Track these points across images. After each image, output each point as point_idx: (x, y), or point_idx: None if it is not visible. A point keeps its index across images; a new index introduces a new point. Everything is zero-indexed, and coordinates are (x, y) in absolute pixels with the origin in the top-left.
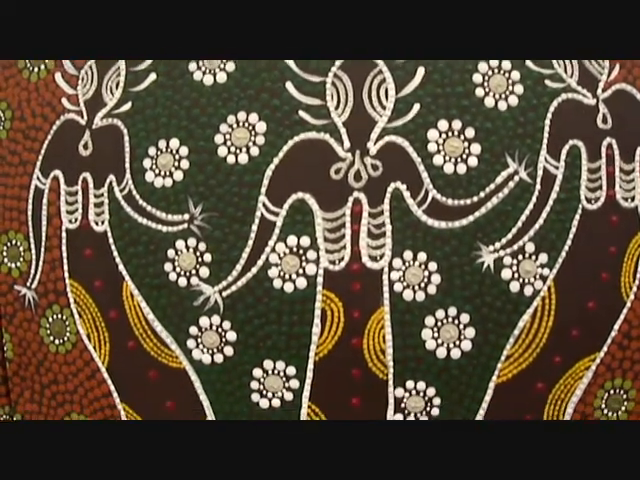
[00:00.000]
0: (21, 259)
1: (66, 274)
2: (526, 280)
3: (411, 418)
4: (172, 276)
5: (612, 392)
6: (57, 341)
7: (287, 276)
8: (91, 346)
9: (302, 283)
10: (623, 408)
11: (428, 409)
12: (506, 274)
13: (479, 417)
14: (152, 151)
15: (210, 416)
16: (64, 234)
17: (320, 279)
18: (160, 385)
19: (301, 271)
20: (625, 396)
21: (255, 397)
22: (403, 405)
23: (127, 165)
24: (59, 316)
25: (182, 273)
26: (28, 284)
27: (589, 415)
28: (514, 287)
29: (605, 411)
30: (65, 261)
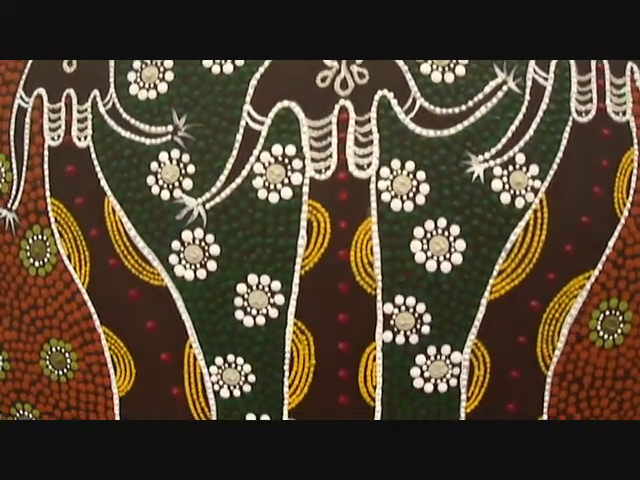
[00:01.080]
0: (2, 180)
1: (47, 193)
2: (517, 192)
3: (400, 337)
4: (155, 189)
5: (608, 313)
6: (37, 263)
7: (272, 186)
8: (71, 267)
9: (287, 193)
10: (619, 331)
11: (418, 326)
12: (496, 185)
13: (471, 336)
14: (137, 64)
15: (192, 336)
16: (46, 152)
17: (306, 189)
18: (141, 305)
19: (286, 181)
20: (621, 318)
21: (239, 315)
22: (392, 322)
23: (111, 79)
24: (39, 237)
25: (165, 186)
26: (9, 206)
27: (584, 337)
28: (505, 199)
29: (601, 333)
30: (47, 179)
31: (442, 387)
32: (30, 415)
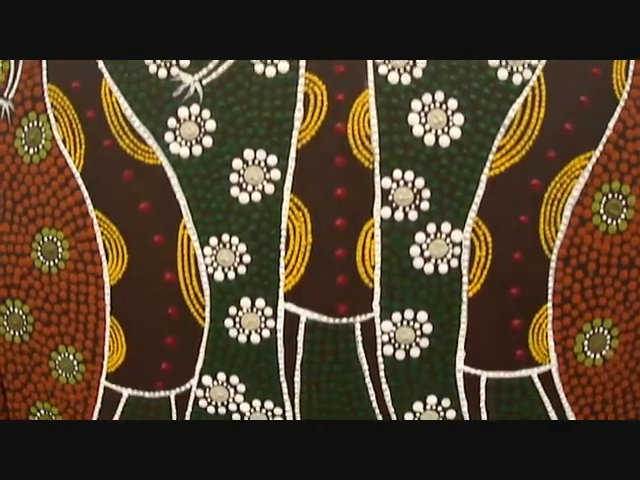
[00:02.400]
0: None
1: (44, 79)
2: (514, 68)
3: (399, 213)
4: (152, 68)
5: (610, 196)
6: (32, 150)
7: (269, 60)
8: (66, 151)
9: (284, 67)
10: (622, 216)
11: (417, 202)
12: (493, 62)
13: (472, 214)
14: None
15: (186, 216)
16: None
17: (303, 62)
18: (135, 185)
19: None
20: (624, 202)
21: (234, 191)
22: (391, 197)
23: None
24: (35, 123)
25: (162, 64)
26: (5, 95)
27: (587, 220)
28: (502, 75)
29: (604, 217)
30: (44, 66)
31: (443, 268)
32: (20, 312)
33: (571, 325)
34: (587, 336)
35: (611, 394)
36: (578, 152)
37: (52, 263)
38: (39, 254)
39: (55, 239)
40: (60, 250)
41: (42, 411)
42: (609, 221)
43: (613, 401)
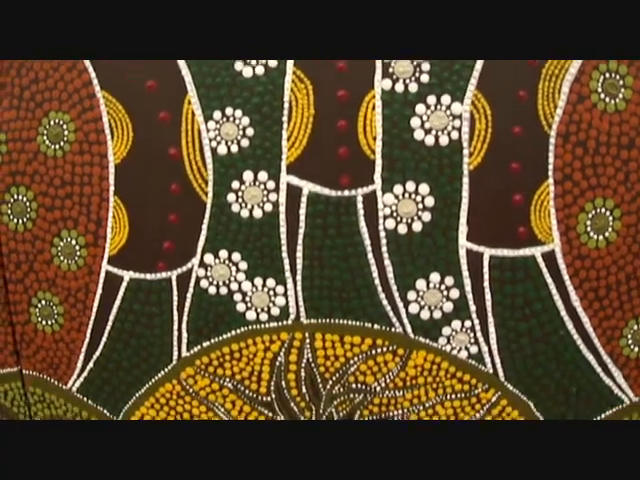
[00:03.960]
0: None
1: None
2: None
3: (400, 85)
4: None
5: (608, 75)
6: None
7: None
8: None
9: None
10: (620, 95)
11: (417, 75)
12: None
13: (471, 87)
14: None
15: (191, 91)
16: None
17: None
18: (142, 63)
19: None
20: (622, 82)
21: (238, 66)
22: (391, 70)
23: None
24: None
25: None
26: None
27: (586, 97)
28: None
29: (602, 96)
30: None
31: (443, 140)
32: (24, 198)
33: (573, 203)
34: (589, 215)
35: (615, 279)
36: None
37: (57, 146)
38: (45, 138)
39: (61, 122)
40: (66, 133)
41: (43, 302)
42: (607, 100)
43: (617, 287)
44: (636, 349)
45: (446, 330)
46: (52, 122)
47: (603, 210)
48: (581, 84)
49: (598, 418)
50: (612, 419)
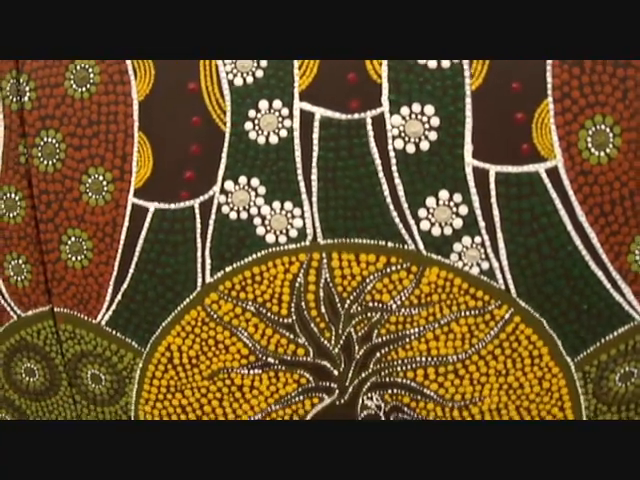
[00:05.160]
0: None
1: None
2: None
3: None
4: None
5: None
6: None
7: None
8: None
9: None
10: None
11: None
12: None
13: None
14: None
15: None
16: None
17: None
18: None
19: None
20: None
21: None
22: None
23: None
24: None
25: None
26: None
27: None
28: None
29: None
30: None
31: (445, 63)
32: (54, 140)
33: (573, 120)
34: (589, 132)
35: (619, 195)
36: None
37: (84, 89)
38: (72, 82)
39: (87, 66)
40: (92, 75)
41: (73, 238)
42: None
43: (621, 202)
44: None
45: (457, 246)
46: (78, 67)
47: (603, 127)
48: None
49: (610, 336)
50: (624, 338)
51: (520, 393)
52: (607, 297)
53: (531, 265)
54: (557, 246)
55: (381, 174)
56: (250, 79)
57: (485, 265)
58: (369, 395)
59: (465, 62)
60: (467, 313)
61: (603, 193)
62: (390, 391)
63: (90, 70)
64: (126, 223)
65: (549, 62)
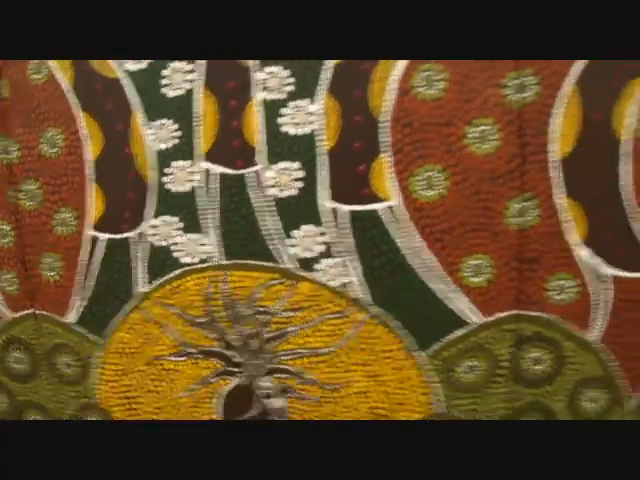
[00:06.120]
0: None
1: None
2: None
3: (270, 94)
4: None
5: (426, 74)
6: None
7: None
8: None
9: None
10: (441, 86)
11: (283, 85)
12: None
13: (322, 91)
14: None
15: (137, 109)
16: None
17: None
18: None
19: None
20: (439, 77)
21: (164, 90)
22: (263, 85)
23: None
24: None
25: None
26: None
27: (409, 90)
28: None
29: (421, 89)
30: None
31: (306, 130)
32: (34, 187)
33: (404, 170)
34: (420, 178)
35: (448, 225)
36: None
37: (54, 150)
38: (45, 145)
39: (55, 133)
40: (58, 140)
41: (48, 259)
42: (426, 90)
43: (451, 231)
44: (474, 279)
45: (321, 265)
46: (49, 134)
47: (431, 173)
48: (404, 81)
49: (450, 337)
50: (461, 339)
51: (381, 380)
52: (444, 305)
53: (380, 280)
54: (396, 267)
55: (261, 213)
56: (167, 145)
57: (344, 279)
58: (263, 378)
59: (320, 130)
60: (331, 316)
61: (434, 224)
62: (279, 375)
63: (57, 136)
64: (87, 248)
65: (386, 124)
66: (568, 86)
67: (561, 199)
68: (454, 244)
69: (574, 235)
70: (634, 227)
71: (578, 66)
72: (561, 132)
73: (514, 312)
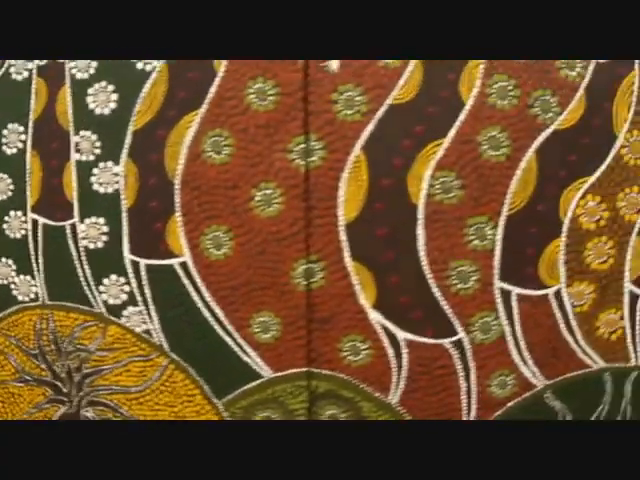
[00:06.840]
0: None
1: None
2: None
3: (82, 156)
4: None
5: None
6: None
7: None
8: None
9: None
10: (226, 151)
11: (92, 148)
12: None
13: (124, 156)
14: None
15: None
16: None
17: None
18: None
19: None
20: (225, 141)
21: (4, 151)
22: None
23: None
24: None
25: None
26: None
27: (198, 156)
28: None
29: (210, 154)
30: None
31: (110, 189)
32: None
33: (195, 229)
34: (209, 237)
35: (237, 282)
36: None
37: None
38: None
39: None
40: None
41: None
42: (214, 155)
43: (239, 288)
44: (263, 335)
45: (126, 312)
46: None
47: (218, 233)
48: (195, 146)
49: (247, 387)
50: (260, 388)
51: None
52: (236, 358)
53: (177, 329)
54: (191, 318)
55: (77, 262)
56: (5, 196)
57: (146, 326)
58: (87, 409)
59: (122, 189)
60: (137, 359)
61: (222, 281)
62: (101, 408)
63: None
64: None
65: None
66: (356, 151)
67: (349, 262)
68: (241, 301)
69: (363, 298)
70: (432, 291)
71: (368, 129)
72: (346, 196)
73: (304, 369)
